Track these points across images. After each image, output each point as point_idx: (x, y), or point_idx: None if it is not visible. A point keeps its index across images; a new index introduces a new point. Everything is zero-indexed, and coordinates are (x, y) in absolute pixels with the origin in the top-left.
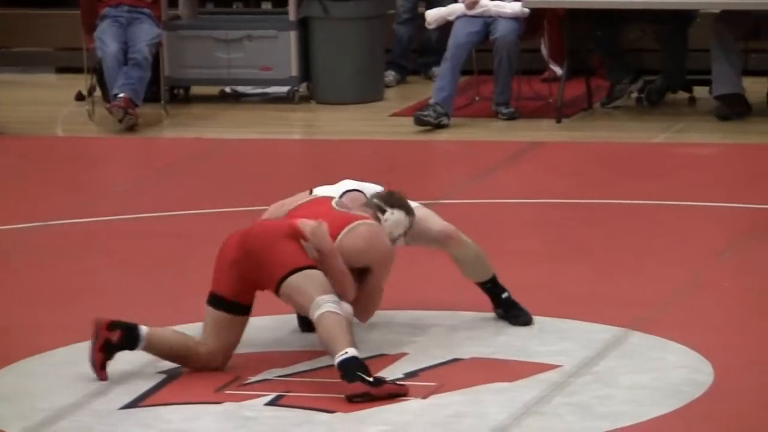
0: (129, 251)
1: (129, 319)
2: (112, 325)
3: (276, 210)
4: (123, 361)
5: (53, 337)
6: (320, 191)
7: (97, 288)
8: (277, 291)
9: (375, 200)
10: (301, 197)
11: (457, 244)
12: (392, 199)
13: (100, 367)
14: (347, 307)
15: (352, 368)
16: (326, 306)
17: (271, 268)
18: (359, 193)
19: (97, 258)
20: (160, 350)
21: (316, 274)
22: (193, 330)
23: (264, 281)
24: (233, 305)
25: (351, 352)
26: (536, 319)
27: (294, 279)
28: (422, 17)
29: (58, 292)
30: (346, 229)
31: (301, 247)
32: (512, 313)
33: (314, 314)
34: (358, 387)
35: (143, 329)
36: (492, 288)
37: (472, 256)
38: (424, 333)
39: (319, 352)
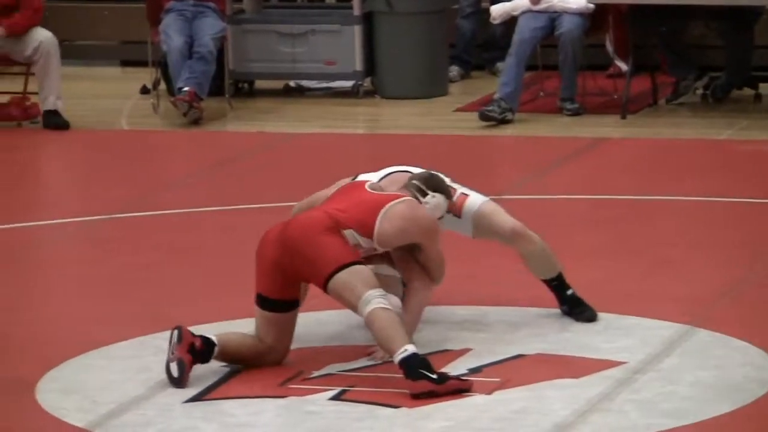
0: (188, 245)
1: (186, 312)
2: (192, 334)
3: (315, 198)
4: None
5: (111, 330)
6: (364, 176)
7: (154, 281)
8: (324, 288)
9: (415, 182)
10: (341, 183)
11: (525, 241)
12: (433, 182)
13: (189, 367)
14: (396, 300)
15: (415, 366)
16: (375, 302)
17: (316, 266)
18: (403, 173)
19: (156, 251)
20: (233, 357)
21: (361, 269)
22: (245, 326)
23: (310, 278)
24: (280, 304)
25: (410, 349)
26: (600, 315)
27: (340, 276)
28: (486, 12)
29: (117, 285)
30: (382, 212)
31: (344, 239)
32: (577, 309)
33: (364, 311)
34: (423, 385)
35: (215, 340)
36: (558, 285)
37: (540, 253)
38: (487, 329)
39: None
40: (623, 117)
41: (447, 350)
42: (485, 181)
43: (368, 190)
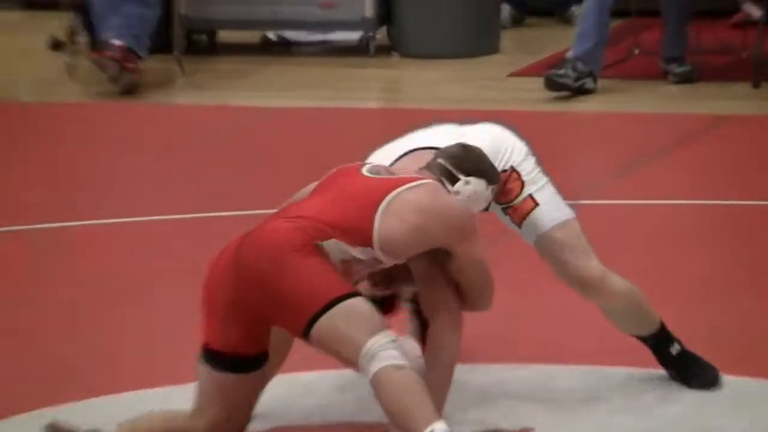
0: (145, 267)
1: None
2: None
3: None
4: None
5: None
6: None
7: (52, 315)
8: (305, 337)
9: (440, 161)
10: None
11: (604, 296)
12: (468, 161)
13: None
14: (415, 349)
15: None
16: (383, 355)
17: (289, 307)
18: (429, 150)
19: (65, 276)
20: None
21: (356, 305)
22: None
23: (282, 323)
24: (237, 360)
25: (439, 428)
26: (726, 380)
27: (327, 320)
28: None
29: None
30: (383, 204)
31: (325, 259)
32: (689, 372)
33: (367, 369)
34: None
35: None
36: (657, 344)
37: (625, 308)
38: (557, 398)
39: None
40: (756, 85)
41: (498, 431)
42: (555, 178)
43: (364, 174)
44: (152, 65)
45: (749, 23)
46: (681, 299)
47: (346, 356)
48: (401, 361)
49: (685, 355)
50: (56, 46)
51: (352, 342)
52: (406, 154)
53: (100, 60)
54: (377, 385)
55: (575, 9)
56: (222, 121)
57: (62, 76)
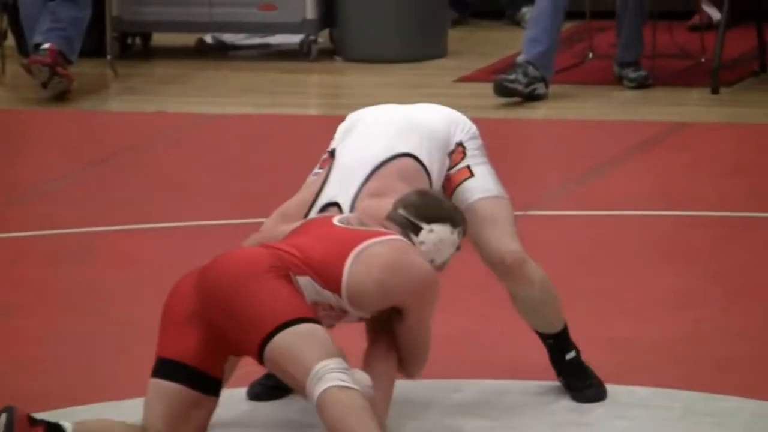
0: (61, 284)
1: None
2: (33, 421)
3: (275, 225)
4: None
5: None
6: (344, 157)
7: (19, 340)
8: (260, 357)
9: (401, 212)
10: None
11: (520, 282)
12: (427, 208)
13: None
14: (364, 378)
15: None
16: (330, 377)
17: (247, 324)
18: (402, 158)
19: (6, 295)
20: None
21: (313, 329)
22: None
23: (239, 342)
24: (190, 373)
25: None
26: (678, 394)
27: (281, 339)
28: None
29: None
30: (353, 253)
31: (295, 288)
32: (578, 383)
33: (314, 391)
34: None
35: (67, 427)
36: (555, 345)
37: (538, 297)
38: (506, 416)
39: None
40: (714, 91)
41: None
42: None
43: (336, 225)
44: (84, 69)
45: (708, 26)
46: (632, 309)
47: (296, 377)
48: (349, 384)
49: (578, 365)
50: None
51: (303, 363)
52: (379, 166)
53: (30, 64)
54: (322, 404)
55: (526, 11)
56: (159, 128)
57: None
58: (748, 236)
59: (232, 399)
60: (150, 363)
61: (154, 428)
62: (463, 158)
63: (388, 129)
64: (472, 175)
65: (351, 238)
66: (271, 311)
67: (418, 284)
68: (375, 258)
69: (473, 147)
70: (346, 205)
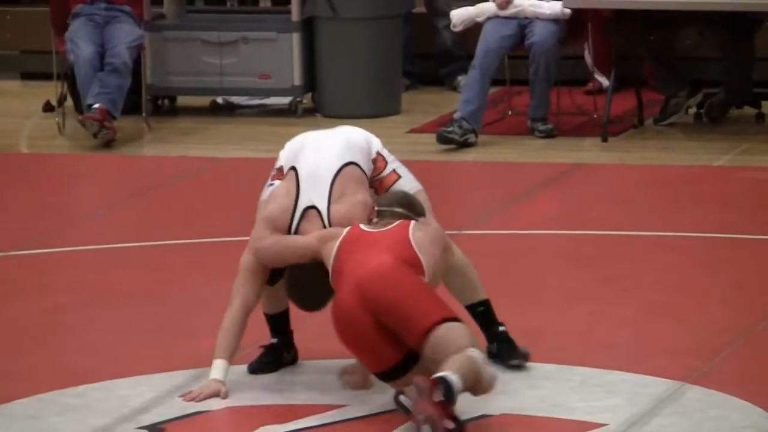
0: (102, 287)
1: (98, 366)
2: None
3: (265, 230)
4: (98, 413)
5: (12, 385)
6: (306, 160)
7: (63, 329)
8: (421, 344)
9: (398, 209)
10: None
11: (448, 251)
12: (417, 206)
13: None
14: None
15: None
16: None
17: (414, 320)
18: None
19: (65, 294)
20: None
21: (461, 325)
22: (161, 382)
23: (406, 333)
24: (400, 367)
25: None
26: (577, 369)
27: (443, 330)
28: (418, 17)
29: (18, 335)
30: (414, 246)
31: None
32: (507, 353)
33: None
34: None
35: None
36: (485, 314)
37: (462, 267)
38: None
39: (323, 407)
40: (604, 140)
41: (391, 411)
42: (444, 213)
43: (368, 230)
44: (125, 124)
45: (599, 91)
46: (542, 303)
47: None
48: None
49: (507, 338)
50: (49, 108)
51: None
52: (337, 173)
53: (84, 120)
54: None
55: (461, 79)
56: (182, 168)
57: (55, 133)
58: (630, 250)
59: (238, 372)
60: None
61: None
62: (386, 164)
63: (333, 145)
64: (399, 176)
65: (390, 235)
66: (429, 311)
67: (444, 236)
68: (424, 240)
69: (387, 154)
70: (323, 208)
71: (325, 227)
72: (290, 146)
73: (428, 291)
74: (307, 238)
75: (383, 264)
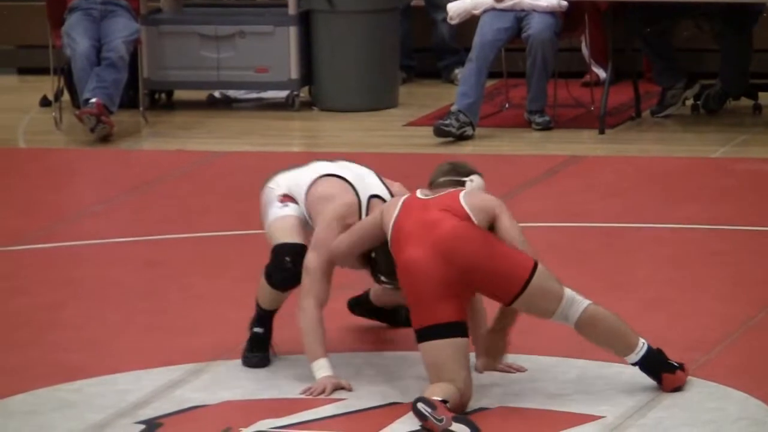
0: (99, 282)
1: (94, 361)
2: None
3: (338, 232)
4: (95, 408)
5: (6, 382)
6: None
7: (60, 324)
8: (513, 300)
9: (447, 179)
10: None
11: None
12: (462, 167)
13: None
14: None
15: (660, 358)
16: (582, 299)
17: (504, 276)
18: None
19: (62, 290)
20: None
21: (546, 270)
22: (163, 376)
23: (493, 290)
24: (465, 326)
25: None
26: (574, 362)
27: (533, 283)
28: (416, 10)
29: (15, 330)
30: (468, 211)
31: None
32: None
33: (575, 310)
34: (678, 378)
35: None
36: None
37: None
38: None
39: (320, 400)
40: (601, 132)
41: (394, 403)
42: None
43: (423, 198)
44: (122, 118)
45: (596, 83)
46: None
47: (548, 307)
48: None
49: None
50: (46, 103)
51: (554, 295)
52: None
53: (81, 115)
54: (593, 316)
55: (458, 71)
56: (179, 163)
57: (51, 128)
58: (627, 242)
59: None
60: (161, 339)
61: (458, 376)
62: None
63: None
64: None
65: (449, 199)
66: (518, 265)
67: (497, 200)
68: (476, 203)
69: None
70: (384, 193)
71: None
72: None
73: (502, 243)
74: (372, 216)
75: (460, 225)
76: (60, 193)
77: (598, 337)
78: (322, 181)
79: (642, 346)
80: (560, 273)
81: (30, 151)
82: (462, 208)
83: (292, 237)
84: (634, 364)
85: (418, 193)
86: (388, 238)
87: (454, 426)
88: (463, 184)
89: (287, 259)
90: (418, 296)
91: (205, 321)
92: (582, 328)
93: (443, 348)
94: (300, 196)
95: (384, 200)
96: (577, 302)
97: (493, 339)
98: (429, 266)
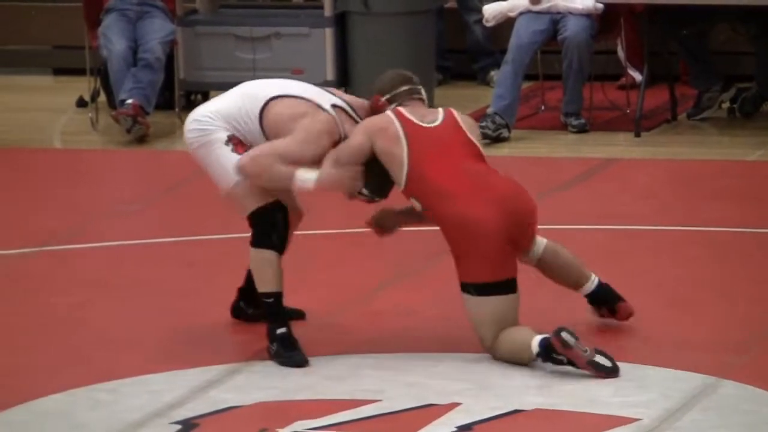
0: (134, 282)
1: (129, 361)
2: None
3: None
4: (130, 408)
5: (41, 381)
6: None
7: (94, 324)
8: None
9: (403, 89)
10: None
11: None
12: (411, 77)
13: None
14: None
15: (610, 290)
16: (540, 237)
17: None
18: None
19: (96, 289)
20: None
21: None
22: (196, 377)
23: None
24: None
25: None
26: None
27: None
28: (451, 12)
29: (49, 329)
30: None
31: None
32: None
33: (540, 246)
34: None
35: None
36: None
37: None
38: (476, 379)
39: (356, 401)
40: (637, 135)
41: (431, 405)
42: None
43: (425, 126)
44: (158, 119)
45: (632, 86)
46: (576, 301)
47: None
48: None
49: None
50: (82, 104)
51: None
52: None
53: (117, 115)
54: (554, 249)
55: (494, 73)
56: None
57: (87, 129)
58: (662, 244)
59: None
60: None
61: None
62: None
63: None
64: None
65: (458, 132)
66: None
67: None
68: (471, 127)
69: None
70: (341, 103)
71: (357, 122)
72: (229, 104)
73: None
74: (355, 138)
75: (512, 181)
76: (95, 193)
77: (559, 269)
78: (278, 103)
79: (594, 279)
80: (597, 274)
81: (66, 152)
82: (474, 143)
83: (265, 198)
84: (589, 295)
85: (412, 117)
86: (404, 173)
87: (598, 357)
88: (419, 92)
89: (279, 215)
90: (485, 253)
91: (239, 321)
92: (545, 262)
93: (511, 301)
94: (249, 126)
95: (344, 110)
96: (538, 239)
97: (396, 216)
98: (499, 226)
